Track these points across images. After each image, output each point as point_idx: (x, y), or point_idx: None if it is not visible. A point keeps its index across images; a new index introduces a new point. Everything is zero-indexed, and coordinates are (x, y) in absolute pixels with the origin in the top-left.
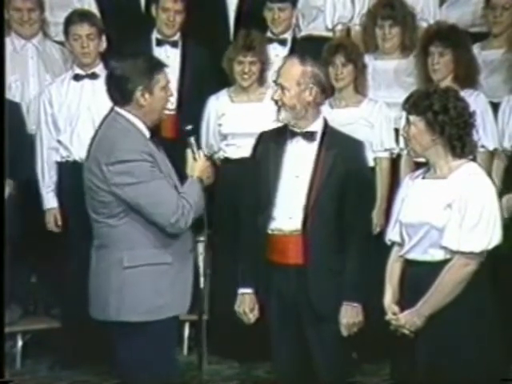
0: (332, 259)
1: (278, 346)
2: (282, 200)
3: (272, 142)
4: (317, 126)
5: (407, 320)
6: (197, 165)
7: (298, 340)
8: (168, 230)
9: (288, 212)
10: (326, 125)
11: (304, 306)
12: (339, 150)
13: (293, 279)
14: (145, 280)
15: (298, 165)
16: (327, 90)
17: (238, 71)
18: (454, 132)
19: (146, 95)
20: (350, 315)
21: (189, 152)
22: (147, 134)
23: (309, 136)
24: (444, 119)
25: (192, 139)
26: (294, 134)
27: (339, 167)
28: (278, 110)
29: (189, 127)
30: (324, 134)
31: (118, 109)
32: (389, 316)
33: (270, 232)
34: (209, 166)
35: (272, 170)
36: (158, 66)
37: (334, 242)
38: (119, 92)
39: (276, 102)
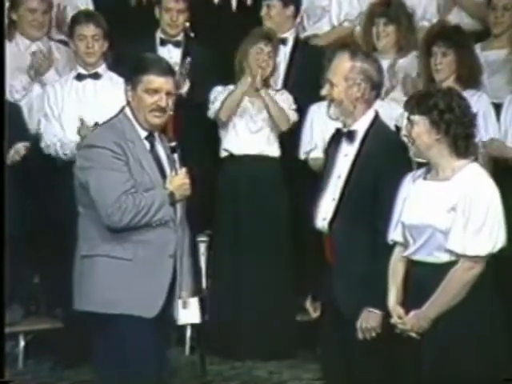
0: (359, 261)
1: (322, 345)
2: (325, 200)
3: (334, 142)
4: (360, 125)
5: (413, 323)
6: (175, 179)
7: (337, 340)
8: (104, 221)
9: (325, 212)
10: (373, 122)
11: (332, 307)
12: (376, 150)
13: (328, 278)
14: (100, 272)
15: (342, 165)
16: (378, 87)
17: (256, 59)
18: (460, 131)
19: (130, 92)
20: (370, 321)
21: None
22: (141, 131)
23: (350, 136)
24: (450, 118)
25: (175, 155)
26: (341, 134)
27: (372, 168)
28: (329, 106)
29: (173, 144)
30: (368, 132)
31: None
32: (394, 319)
33: (318, 231)
34: (187, 183)
35: (327, 170)
36: (151, 68)
37: (364, 244)
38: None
39: (325, 97)
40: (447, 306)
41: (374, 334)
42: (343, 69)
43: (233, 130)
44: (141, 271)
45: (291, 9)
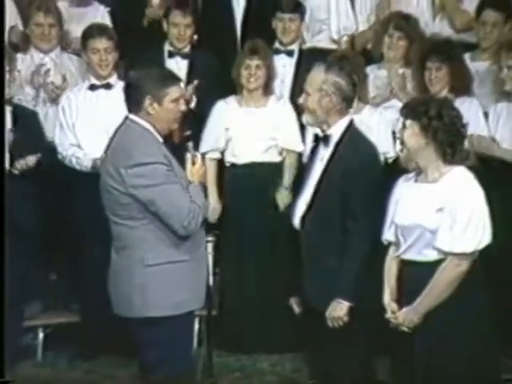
0: (328, 258)
1: (306, 341)
2: (301, 200)
3: (315, 147)
4: (334, 130)
5: (405, 318)
6: (195, 169)
7: (313, 337)
8: (180, 233)
9: (300, 211)
10: (347, 129)
11: (305, 302)
12: (348, 155)
13: (301, 275)
14: (166, 277)
15: (318, 167)
16: (348, 99)
17: (244, 75)
18: (446, 138)
19: (155, 105)
20: (338, 311)
21: (188, 156)
22: (160, 139)
23: (326, 140)
24: (438, 125)
25: (190, 144)
26: (319, 139)
27: (343, 171)
28: (303, 113)
29: (188, 132)
30: (342, 137)
31: (132, 116)
32: (388, 314)
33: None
34: (204, 169)
35: (306, 172)
36: (171, 79)
37: (332, 242)
38: (131, 100)
39: (300, 105)
40: (436, 301)
41: (341, 323)
42: (317, 80)
43: (234, 144)
44: (194, 269)
45: (297, 22)
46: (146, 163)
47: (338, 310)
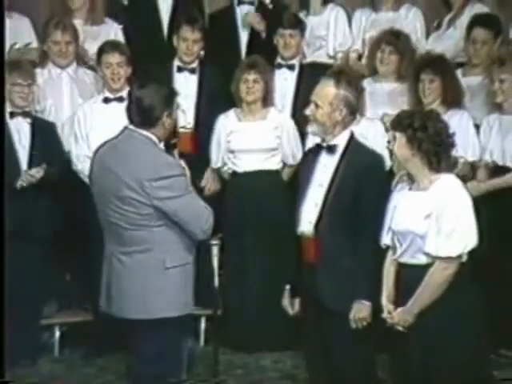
0: (343, 260)
1: (305, 341)
2: (307, 206)
3: (310, 155)
4: (340, 140)
5: (400, 317)
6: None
7: (319, 337)
8: (200, 237)
9: (309, 216)
10: (351, 138)
11: (317, 304)
12: (357, 162)
13: (311, 278)
14: (179, 279)
15: (323, 175)
16: (355, 112)
17: (243, 89)
18: (431, 148)
19: (169, 119)
20: (363, 311)
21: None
22: (163, 149)
23: (331, 149)
24: (422, 136)
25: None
26: (321, 148)
27: (354, 177)
28: (309, 124)
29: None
30: (347, 147)
31: (140, 130)
32: (385, 314)
33: (298, 234)
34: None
35: (305, 179)
36: (175, 93)
37: (346, 245)
38: (146, 117)
39: (308, 116)
40: (427, 302)
41: (365, 323)
42: (329, 94)
43: (236, 155)
44: (194, 271)
45: (297, 38)
46: (169, 176)
47: (364, 310)
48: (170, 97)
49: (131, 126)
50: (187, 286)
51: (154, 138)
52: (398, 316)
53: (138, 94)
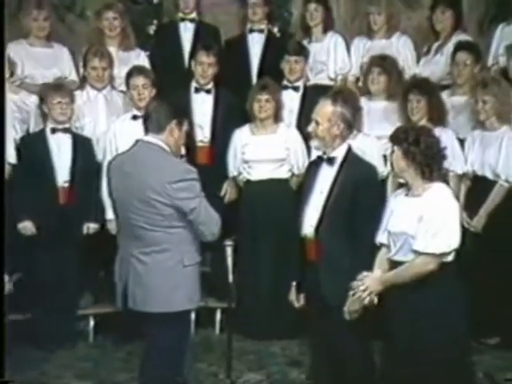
0: (342, 259)
1: (309, 331)
2: (309, 211)
3: (313, 166)
4: (338, 153)
5: (371, 283)
6: None
7: (321, 327)
8: (208, 239)
9: (311, 220)
10: (348, 151)
11: (319, 298)
12: (353, 172)
13: (313, 276)
14: (193, 276)
15: (324, 183)
16: (352, 126)
17: (256, 108)
18: (423, 160)
19: (177, 130)
20: (353, 305)
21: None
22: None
23: (330, 161)
24: (415, 150)
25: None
26: (322, 160)
27: (351, 185)
28: (311, 139)
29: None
30: (345, 159)
31: (145, 138)
32: (355, 282)
33: (302, 236)
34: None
35: (308, 187)
36: (181, 106)
37: (345, 245)
38: (154, 123)
39: (310, 133)
40: (398, 281)
41: (356, 316)
42: (327, 112)
43: (250, 165)
44: (199, 269)
45: (302, 63)
46: (187, 179)
47: (356, 304)
48: (175, 108)
49: (144, 138)
50: (198, 283)
51: (164, 146)
52: (369, 280)
53: (149, 106)
